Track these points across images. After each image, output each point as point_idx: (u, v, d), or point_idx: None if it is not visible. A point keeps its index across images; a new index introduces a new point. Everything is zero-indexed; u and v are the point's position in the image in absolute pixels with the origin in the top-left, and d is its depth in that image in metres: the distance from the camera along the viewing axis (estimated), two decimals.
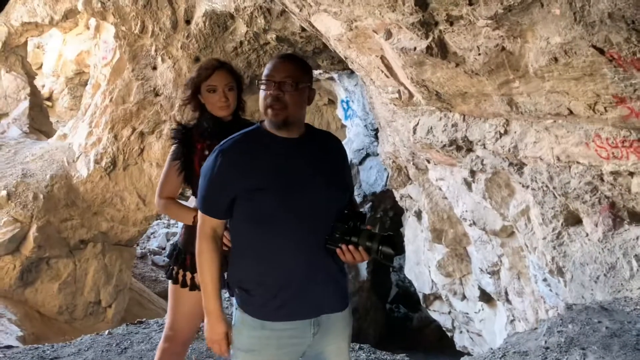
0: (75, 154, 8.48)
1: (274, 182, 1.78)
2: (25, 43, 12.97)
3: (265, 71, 1.85)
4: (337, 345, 1.86)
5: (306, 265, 1.81)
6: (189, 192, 2.50)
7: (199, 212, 1.89)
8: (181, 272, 2.25)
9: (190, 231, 2.26)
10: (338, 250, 1.75)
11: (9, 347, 3.21)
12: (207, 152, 2.26)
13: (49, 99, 16.18)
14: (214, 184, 1.83)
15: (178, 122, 2.44)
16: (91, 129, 8.54)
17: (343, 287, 1.92)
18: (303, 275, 1.80)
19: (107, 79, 8.71)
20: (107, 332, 3.30)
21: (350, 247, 1.73)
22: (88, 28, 13.85)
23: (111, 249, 8.41)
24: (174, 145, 2.35)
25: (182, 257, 2.27)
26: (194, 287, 2.22)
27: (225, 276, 1.91)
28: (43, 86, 15.94)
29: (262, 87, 1.83)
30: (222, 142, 1.86)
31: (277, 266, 1.79)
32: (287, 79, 1.82)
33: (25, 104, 12.66)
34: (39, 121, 13.30)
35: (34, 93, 13.23)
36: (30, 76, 13.15)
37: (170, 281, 2.29)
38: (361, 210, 1.92)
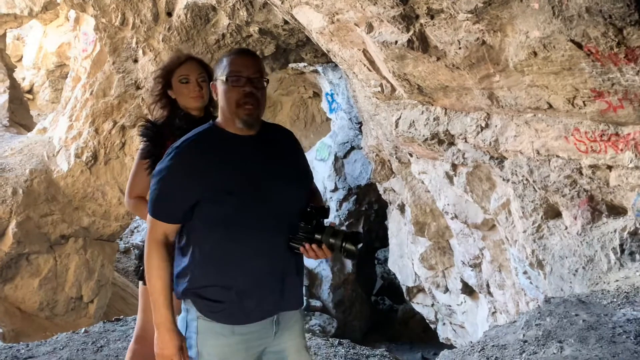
0: (55, 148, 8.36)
1: (239, 183, 1.71)
2: (4, 35, 12.73)
3: (230, 66, 1.75)
4: (296, 342, 1.84)
5: (271, 265, 1.76)
6: None
7: (149, 217, 1.76)
8: None
9: None
10: (302, 249, 1.73)
11: None
12: None
13: (30, 91, 15.92)
14: (170, 186, 1.71)
15: (147, 120, 2.37)
16: (71, 122, 8.42)
17: (300, 286, 1.90)
18: (269, 274, 1.75)
19: (87, 72, 8.58)
20: (83, 330, 3.26)
21: (314, 245, 1.71)
22: (68, 20, 13.63)
23: (93, 244, 8.32)
24: (143, 143, 2.28)
25: None
26: None
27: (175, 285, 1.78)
28: (23, 79, 15.68)
29: (230, 82, 1.74)
30: (176, 143, 1.76)
31: (244, 268, 1.72)
32: (257, 75, 1.77)
33: (4, 97, 12.44)
34: (19, 114, 13.09)
35: (14, 86, 13.01)
36: (9, 68, 12.92)
37: (140, 282, 2.25)
38: (324, 204, 1.89)
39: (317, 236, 1.71)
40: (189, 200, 1.70)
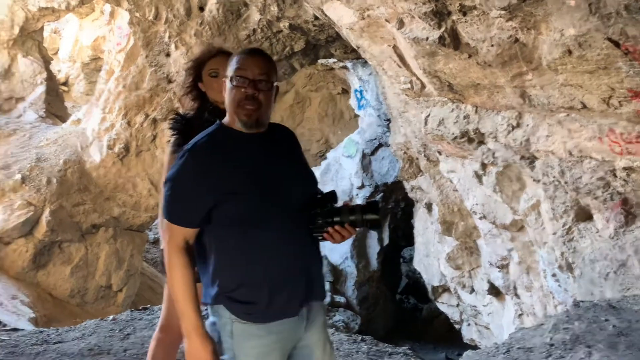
0: (88, 139, 8.54)
1: (255, 181, 1.71)
2: (42, 28, 13.04)
3: (236, 65, 1.75)
4: (321, 336, 1.84)
5: (296, 259, 1.75)
6: None
7: (166, 223, 1.73)
8: None
9: None
10: (326, 235, 1.72)
11: (15, 329, 3.27)
12: None
13: (65, 84, 16.31)
14: (187, 190, 1.69)
15: (176, 113, 2.39)
16: (105, 114, 8.59)
17: (323, 276, 1.91)
18: (295, 268, 1.75)
19: (121, 65, 8.75)
20: (111, 317, 3.33)
21: (337, 227, 1.70)
22: (104, 13, 13.90)
23: (123, 233, 8.49)
24: (174, 137, 2.29)
25: None
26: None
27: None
28: (59, 71, 16.06)
29: (234, 82, 1.73)
30: (187, 145, 1.75)
31: (271, 265, 1.71)
32: (262, 77, 1.75)
33: (41, 89, 12.75)
34: (55, 106, 13.42)
35: (50, 78, 13.32)
36: (46, 61, 13.23)
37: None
38: (330, 190, 1.88)
39: (337, 218, 1.71)
40: (206, 203, 1.69)
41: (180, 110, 2.56)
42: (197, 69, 2.25)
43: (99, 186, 8.22)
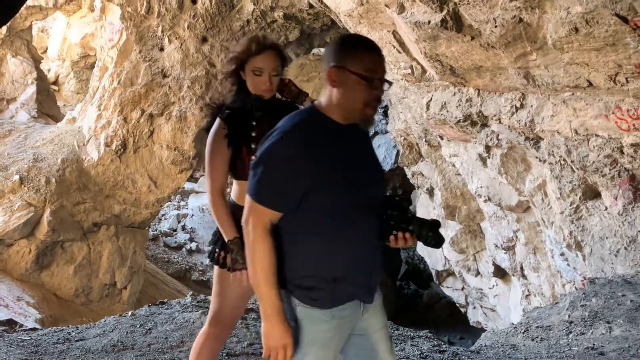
0: (85, 137, 8.47)
1: (346, 174, 1.70)
2: (30, 27, 12.90)
3: (367, 64, 1.70)
4: (378, 320, 1.85)
5: (368, 252, 1.77)
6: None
7: (253, 204, 1.68)
8: (229, 255, 2.15)
9: (233, 215, 2.15)
10: (392, 237, 1.73)
11: (34, 329, 3.24)
12: (254, 134, 2.14)
13: (55, 83, 16.14)
14: (282, 174, 1.66)
15: (213, 102, 2.27)
16: (100, 111, 8.51)
17: (381, 272, 1.91)
18: (364, 263, 1.76)
19: (114, 61, 8.65)
20: (130, 313, 3.32)
21: (407, 234, 1.71)
22: (92, 10, 13.73)
23: (124, 231, 8.44)
24: (223, 128, 2.12)
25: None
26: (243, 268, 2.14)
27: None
28: (49, 70, 15.89)
29: (366, 82, 1.68)
30: (281, 127, 1.70)
31: (344, 257, 1.72)
32: (384, 74, 1.74)
33: (32, 89, 12.65)
34: (47, 105, 13.31)
35: (41, 77, 13.21)
36: (36, 60, 13.11)
37: (215, 266, 2.22)
38: (403, 195, 1.90)
39: (410, 227, 1.72)
40: (299, 190, 1.66)
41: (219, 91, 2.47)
42: (241, 61, 2.16)
43: (98, 184, 8.16)
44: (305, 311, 1.71)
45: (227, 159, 2.19)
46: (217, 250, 2.23)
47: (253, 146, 2.16)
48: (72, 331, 3.03)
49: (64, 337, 2.89)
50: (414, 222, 1.73)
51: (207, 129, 2.22)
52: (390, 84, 1.78)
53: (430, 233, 1.73)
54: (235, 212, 2.18)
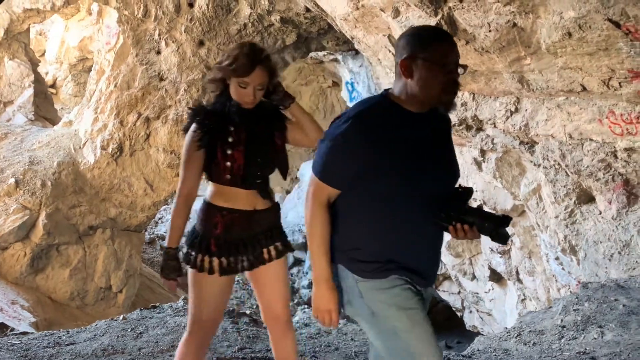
0: (81, 141, 8.46)
1: (410, 160, 1.73)
2: (28, 30, 12.89)
3: (441, 51, 1.71)
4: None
5: (421, 240, 1.79)
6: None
7: (314, 178, 1.79)
8: (207, 258, 2.14)
9: (208, 215, 2.18)
10: (450, 228, 1.72)
11: (24, 333, 3.23)
12: (230, 139, 2.13)
13: (53, 86, 16.13)
14: (344, 153, 1.73)
15: (197, 105, 2.26)
16: (97, 115, 8.50)
17: (438, 263, 1.95)
18: (418, 249, 1.78)
19: (111, 65, 8.65)
20: (121, 317, 3.30)
21: (465, 226, 1.69)
22: (90, 14, 13.73)
23: (120, 234, 8.42)
24: (199, 132, 2.10)
25: (206, 242, 2.16)
26: (223, 271, 2.16)
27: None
28: (46, 73, 15.88)
29: (442, 68, 1.70)
30: (352, 111, 1.75)
31: (396, 243, 1.76)
32: (457, 59, 1.76)
33: (29, 92, 12.62)
34: (44, 108, 13.28)
35: (38, 80, 13.18)
36: (33, 63, 13.08)
37: (192, 270, 2.16)
38: (469, 187, 1.84)
39: (470, 218, 1.69)
40: (358, 170, 1.72)
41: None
42: (229, 77, 2.14)
43: (94, 187, 8.15)
44: (366, 285, 1.77)
45: (200, 163, 2.18)
46: (192, 252, 2.19)
47: (229, 152, 2.16)
48: (63, 335, 3.02)
49: (54, 341, 2.88)
50: (476, 214, 1.69)
51: (186, 131, 2.21)
52: (465, 68, 1.79)
53: (498, 230, 1.67)
54: (208, 211, 2.20)
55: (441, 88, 1.71)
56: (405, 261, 1.77)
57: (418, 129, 1.77)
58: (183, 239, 2.24)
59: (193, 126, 2.17)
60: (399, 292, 1.76)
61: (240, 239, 2.21)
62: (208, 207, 2.22)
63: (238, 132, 2.17)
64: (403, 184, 1.72)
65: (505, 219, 1.69)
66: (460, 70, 1.76)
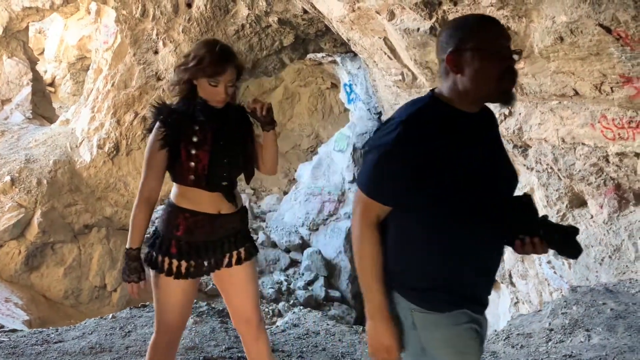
0: (78, 139, 8.47)
1: (470, 170, 1.50)
2: (27, 28, 12.87)
3: (489, 35, 1.49)
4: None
5: (487, 257, 1.58)
6: None
7: (361, 195, 1.54)
8: (167, 259, 2.06)
9: (170, 216, 2.10)
10: (517, 242, 1.53)
11: (13, 330, 3.23)
12: (195, 139, 2.06)
13: (52, 84, 16.13)
14: (396, 167, 1.48)
15: (160, 103, 2.19)
16: (93, 114, 8.51)
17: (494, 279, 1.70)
18: (482, 267, 1.57)
19: (108, 64, 8.66)
20: (110, 315, 3.31)
21: (535, 239, 1.50)
22: (89, 13, 13.75)
23: (115, 233, 8.42)
24: (162, 130, 2.02)
25: (166, 244, 2.10)
26: (181, 275, 2.09)
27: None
28: (45, 72, 15.88)
29: (497, 53, 1.46)
30: (400, 116, 1.51)
31: (461, 261, 1.53)
32: (509, 43, 1.52)
33: (27, 90, 12.63)
34: (42, 107, 13.27)
35: (37, 78, 13.18)
36: (32, 62, 13.08)
37: (154, 271, 2.10)
38: (529, 195, 1.63)
39: (541, 230, 1.50)
40: (408, 184, 1.49)
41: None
42: (197, 76, 2.10)
43: (90, 186, 8.15)
44: (422, 316, 1.55)
45: (163, 162, 2.09)
46: (154, 253, 2.13)
47: (193, 151, 2.08)
48: (52, 333, 3.02)
49: (43, 339, 2.88)
50: (545, 226, 1.50)
51: (150, 131, 2.12)
52: (520, 53, 1.53)
53: (564, 240, 1.50)
54: (171, 212, 2.13)
55: (498, 76, 1.47)
56: (470, 290, 1.55)
57: (474, 132, 1.55)
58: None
59: (157, 125, 2.09)
60: (461, 332, 1.53)
61: (202, 242, 2.13)
62: (171, 208, 2.15)
63: (204, 132, 2.09)
64: (466, 196, 1.49)
65: (573, 229, 1.51)
66: (514, 57, 1.50)
